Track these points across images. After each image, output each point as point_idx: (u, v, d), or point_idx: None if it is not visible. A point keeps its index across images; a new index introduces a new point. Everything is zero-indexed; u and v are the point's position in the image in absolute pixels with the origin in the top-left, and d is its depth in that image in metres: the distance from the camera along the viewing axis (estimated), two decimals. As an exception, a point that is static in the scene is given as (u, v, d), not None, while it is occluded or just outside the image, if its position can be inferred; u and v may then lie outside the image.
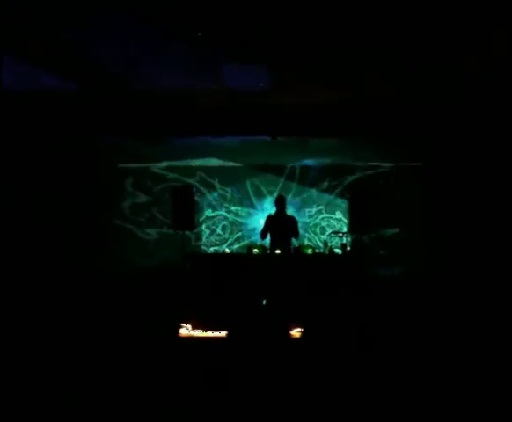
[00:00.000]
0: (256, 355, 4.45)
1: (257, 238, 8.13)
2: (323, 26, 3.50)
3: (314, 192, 8.67)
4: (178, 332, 5.47)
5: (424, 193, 8.05)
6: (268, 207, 8.40)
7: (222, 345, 4.89)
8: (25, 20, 3.42)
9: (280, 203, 7.14)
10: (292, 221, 7.17)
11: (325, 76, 4.57)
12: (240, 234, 8.72)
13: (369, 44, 3.79)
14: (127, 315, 5.54)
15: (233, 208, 8.75)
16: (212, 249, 8.62)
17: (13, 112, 5.38)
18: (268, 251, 7.06)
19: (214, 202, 8.76)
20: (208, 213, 8.74)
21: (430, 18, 3.39)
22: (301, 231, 8.28)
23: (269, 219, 7.16)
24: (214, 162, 8.31)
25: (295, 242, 7.36)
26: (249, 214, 8.72)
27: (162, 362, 4.30)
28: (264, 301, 5.88)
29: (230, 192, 8.74)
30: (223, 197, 8.76)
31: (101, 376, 3.91)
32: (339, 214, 8.64)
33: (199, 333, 5.49)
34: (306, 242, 8.43)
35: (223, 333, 5.19)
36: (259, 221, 8.47)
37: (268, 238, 7.23)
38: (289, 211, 7.78)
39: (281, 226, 7.09)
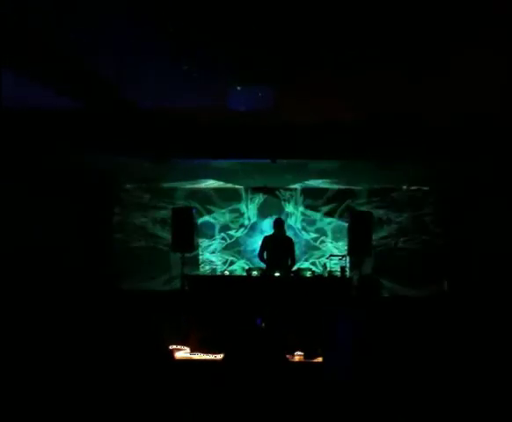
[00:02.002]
0: (253, 379, 4.40)
1: (256, 260, 8.11)
2: (329, 46, 3.54)
3: (313, 214, 8.69)
4: (174, 355, 5.39)
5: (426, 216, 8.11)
6: (267, 229, 8.40)
7: (219, 368, 4.83)
8: (25, 28, 3.41)
9: (278, 225, 7.21)
10: (289, 243, 7.23)
11: (329, 97, 4.62)
12: (239, 255, 8.70)
13: (376, 62, 3.83)
14: (121, 335, 5.47)
15: (233, 230, 8.75)
16: (212, 270, 8.57)
17: (14, 129, 5.38)
18: (263, 272, 7.04)
19: (214, 224, 8.76)
20: (208, 234, 8.72)
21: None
22: (298, 253, 8.29)
23: (265, 240, 7.24)
24: (214, 183, 8.35)
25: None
26: (248, 236, 8.71)
27: (156, 385, 4.24)
28: (262, 324, 5.84)
29: (229, 213, 8.76)
30: (223, 218, 8.77)
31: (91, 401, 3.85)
32: (337, 237, 8.62)
33: (196, 356, 5.43)
34: (306, 265, 8.40)
35: (221, 356, 5.13)
36: (258, 243, 8.47)
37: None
38: (289, 233, 7.81)
39: (278, 247, 7.14)
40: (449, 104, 4.79)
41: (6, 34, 3.41)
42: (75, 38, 3.53)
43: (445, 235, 7.91)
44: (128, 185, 8.59)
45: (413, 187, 8.21)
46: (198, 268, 8.58)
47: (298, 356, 5.33)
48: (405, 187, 8.10)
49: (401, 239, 8.32)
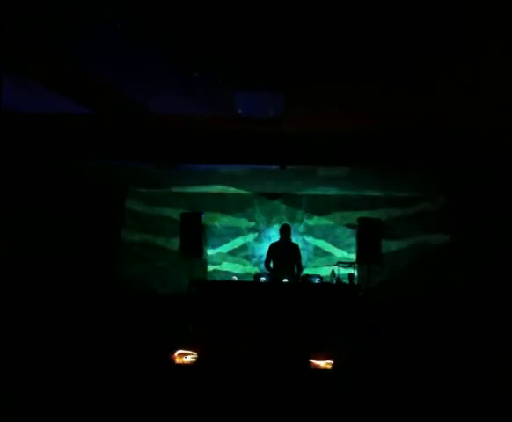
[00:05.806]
0: (267, 384, 4.40)
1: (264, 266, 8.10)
2: (341, 53, 3.53)
3: (322, 220, 8.68)
4: (178, 359, 5.40)
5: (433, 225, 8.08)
6: (276, 235, 8.40)
7: (225, 373, 4.84)
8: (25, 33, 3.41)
9: (284, 231, 7.27)
10: (295, 250, 7.27)
11: (339, 104, 4.61)
12: (248, 261, 8.71)
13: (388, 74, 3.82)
14: (128, 338, 5.51)
15: (241, 235, 8.76)
16: (219, 275, 8.59)
17: (16, 134, 5.40)
18: (271, 279, 7.05)
19: (222, 229, 8.78)
20: (217, 239, 8.74)
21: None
22: (306, 259, 8.29)
23: (272, 247, 7.31)
24: (223, 189, 8.38)
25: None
26: (256, 242, 8.72)
27: (161, 389, 4.26)
28: (269, 329, 5.85)
29: (238, 219, 8.78)
30: (232, 224, 8.79)
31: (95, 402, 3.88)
32: (346, 244, 8.60)
33: (201, 359, 5.44)
34: (313, 271, 8.37)
35: (227, 360, 5.14)
36: (266, 249, 8.47)
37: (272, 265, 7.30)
38: (295, 240, 7.82)
39: (284, 254, 7.20)
40: (456, 112, 4.79)
41: (7, 36, 3.43)
42: (81, 43, 3.55)
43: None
44: (136, 190, 8.66)
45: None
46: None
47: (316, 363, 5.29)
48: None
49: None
